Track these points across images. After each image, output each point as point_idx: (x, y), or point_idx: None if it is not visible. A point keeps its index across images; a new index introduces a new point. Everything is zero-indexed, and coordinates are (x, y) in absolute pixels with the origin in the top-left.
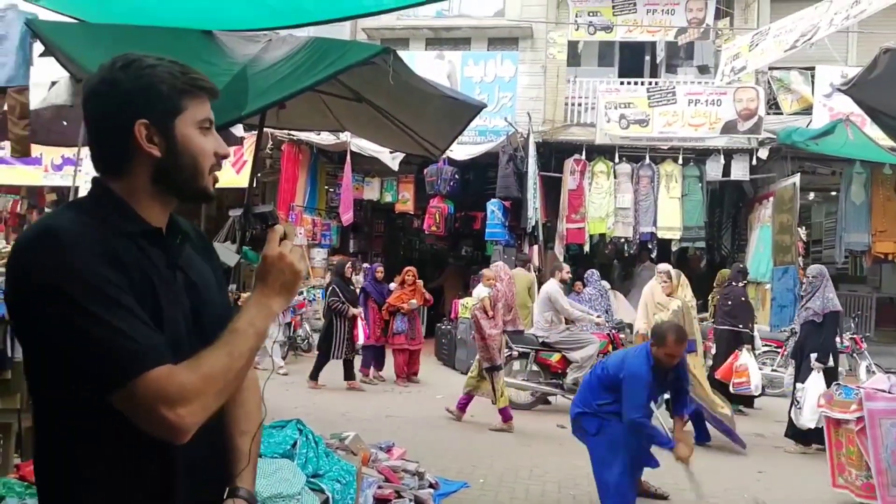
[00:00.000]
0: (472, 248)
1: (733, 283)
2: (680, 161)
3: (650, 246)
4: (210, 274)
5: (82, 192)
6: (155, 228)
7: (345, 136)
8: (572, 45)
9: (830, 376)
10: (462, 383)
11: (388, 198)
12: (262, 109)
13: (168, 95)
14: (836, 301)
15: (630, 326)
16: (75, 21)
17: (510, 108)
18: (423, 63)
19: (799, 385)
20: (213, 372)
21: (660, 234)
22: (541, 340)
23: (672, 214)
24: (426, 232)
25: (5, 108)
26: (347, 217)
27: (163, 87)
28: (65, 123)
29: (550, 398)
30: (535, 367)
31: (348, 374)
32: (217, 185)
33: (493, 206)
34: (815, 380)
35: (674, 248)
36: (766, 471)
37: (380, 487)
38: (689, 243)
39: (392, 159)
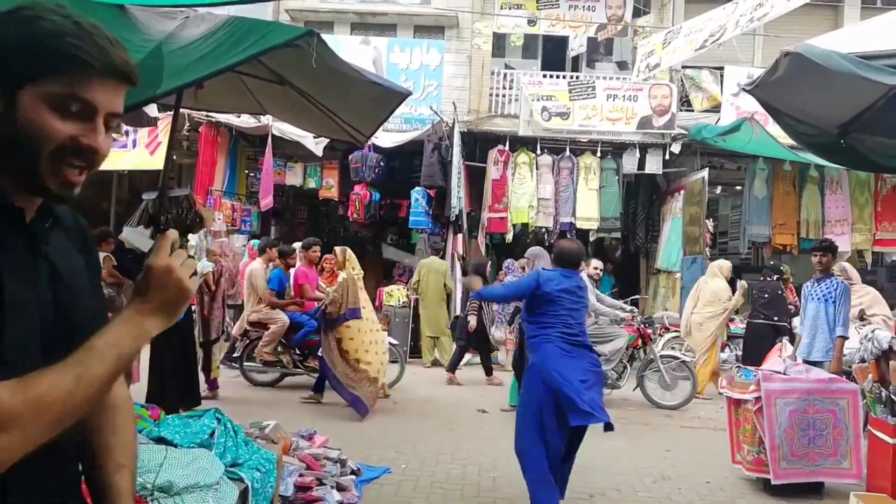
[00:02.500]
0: (397, 236)
1: (768, 278)
2: (598, 154)
3: (569, 235)
4: (83, 269)
5: None
6: (10, 205)
7: (266, 120)
8: (498, 37)
9: None
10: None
11: (312, 184)
12: (179, 89)
13: (28, 57)
14: None
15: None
16: None
17: (436, 97)
18: (348, 48)
19: None
20: (48, 398)
21: (578, 224)
22: None
23: (590, 205)
24: (349, 219)
25: None
26: (267, 202)
27: (25, 48)
28: None
29: None
30: None
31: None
32: (131, 167)
33: (417, 195)
34: None
35: (591, 238)
36: (673, 449)
37: (301, 475)
38: (606, 233)
39: (316, 144)
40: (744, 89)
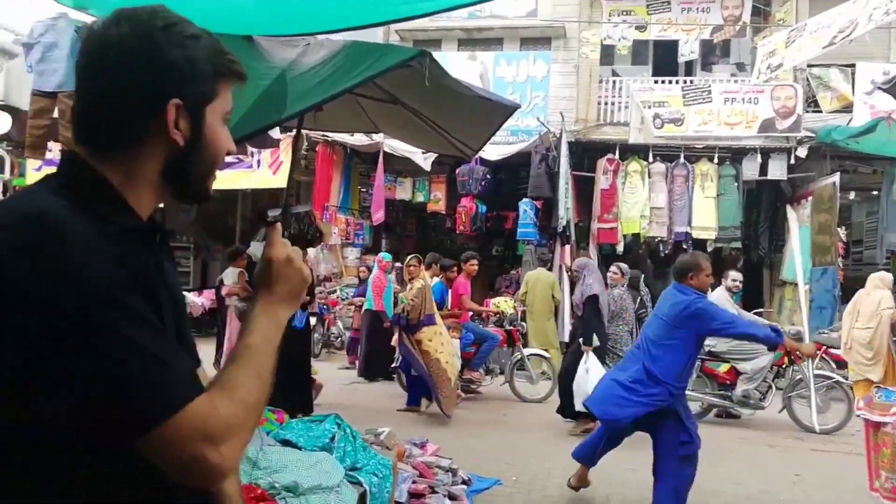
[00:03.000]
0: (503, 248)
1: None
2: (715, 160)
3: (685, 246)
4: (176, 278)
5: None
6: (149, 226)
7: (378, 137)
8: (606, 45)
9: (599, 355)
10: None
11: (420, 197)
12: (302, 112)
13: (208, 76)
14: (595, 286)
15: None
16: None
17: (542, 108)
18: (455, 64)
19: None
20: (250, 399)
21: (695, 234)
22: (708, 349)
23: (707, 214)
24: (456, 232)
25: (55, 113)
26: (379, 216)
27: (206, 66)
28: None
29: (730, 410)
30: (701, 377)
31: None
32: (254, 186)
33: (525, 206)
34: (592, 362)
35: (709, 248)
36: (802, 473)
37: (414, 482)
38: (725, 243)
39: (424, 159)
40: (880, 87)
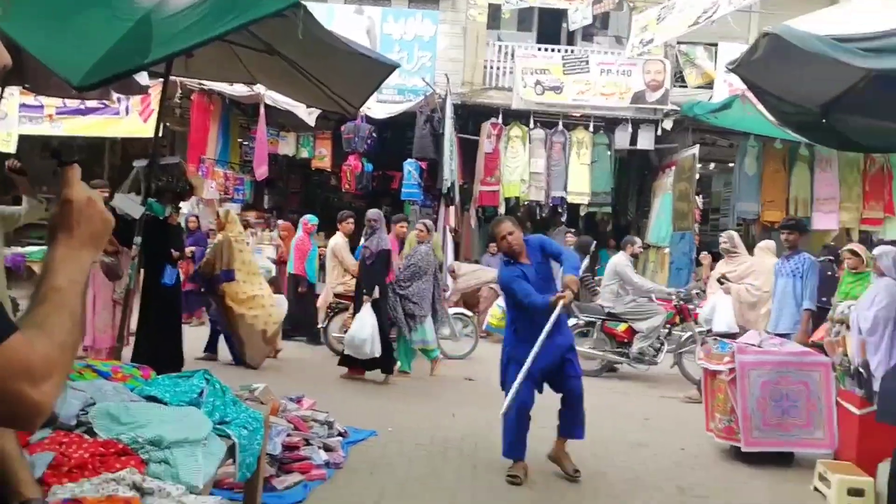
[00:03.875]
0: (390, 208)
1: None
2: (591, 129)
3: (560, 210)
4: None
5: None
6: None
7: (259, 88)
8: (494, 8)
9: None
10: None
11: (305, 153)
12: (168, 58)
13: None
14: (386, 241)
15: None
16: None
17: (429, 69)
18: (341, 18)
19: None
20: (66, 338)
21: (570, 199)
22: (607, 310)
23: (582, 180)
24: (342, 190)
25: None
26: (262, 171)
27: None
28: None
29: (616, 366)
30: (601, 336)
31: None
32: (123, 135)
33: (410, 167)
34: (365, 310)
35: (582, 213)
36: (652, 418)
37: (289, 435)
38: (597, 208)
39: (308, 114)
40: (727, 68)
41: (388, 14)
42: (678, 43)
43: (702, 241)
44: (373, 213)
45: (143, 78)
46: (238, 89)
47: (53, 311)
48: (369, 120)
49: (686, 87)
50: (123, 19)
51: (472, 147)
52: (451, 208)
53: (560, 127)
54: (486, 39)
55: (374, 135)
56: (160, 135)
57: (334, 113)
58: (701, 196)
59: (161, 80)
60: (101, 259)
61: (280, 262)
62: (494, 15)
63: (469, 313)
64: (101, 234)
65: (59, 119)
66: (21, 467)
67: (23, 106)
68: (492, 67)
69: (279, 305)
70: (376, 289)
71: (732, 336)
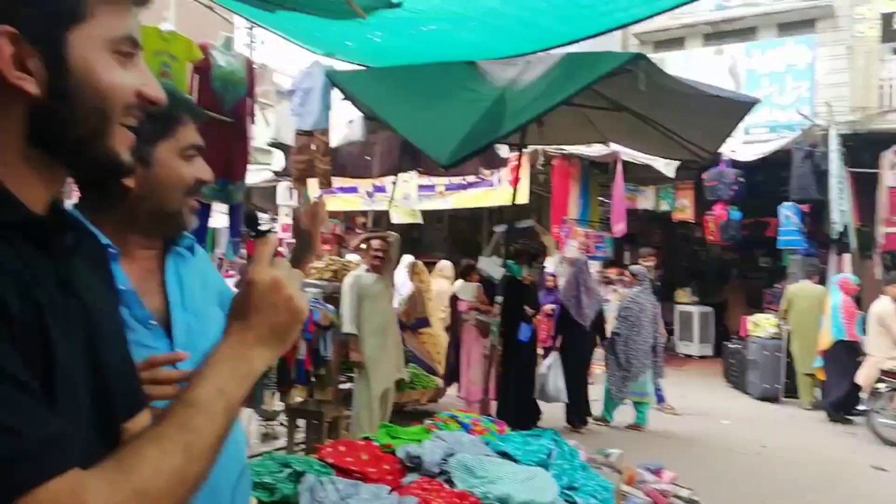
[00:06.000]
0: (769, 259)
1: None
2: None
3: None
4: (104, 295)
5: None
6: (38, 218)
7: (615, 147)
8: (886, 18)
9: None
10: (751, 406)
11: (665, 206)
12: (519, 128)
13: None
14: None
15: None
16: (363, 68)
17: (807, 99)
18: (699, 61)
19: None
20: (155, 486)
21: None
22: None
23: None
24: (706, 242)
25: (313, 148)
26: (619, 228)
27: None
28: (367, 158)
29: None
30: None
31: None
32: (497, 203)
33: (788, 211)
34: None
35: None
36: None
37: None
38: None
39: (666, 165)
40: None
41: (751, 49)
42: None
43: None
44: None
45: (503, 150)
46: (596, 150)
47: (158, 439)
48: (735, 164)
49: None
50: (483, 100)
51: (869, 182)
52: (846, 256)
53: None
54: (879, 55)
55: (741, 179)
56: (527, 201)
57: (693, 161)
58: None
59: (524, 151)
60: (476, 317)
61: None
62: (888, 26)
63: None
64: (286, 328)
65: (448, 194)
66: None
67: (421, 187)
68: (890, 87)
69: None
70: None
71: None
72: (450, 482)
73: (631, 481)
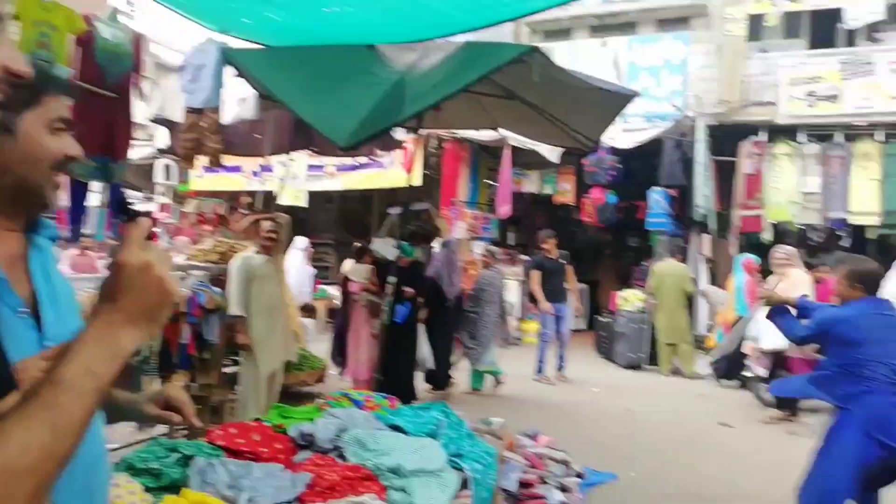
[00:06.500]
0: (638, 239)
1: None
2: (881, 138)
3: (841, 234)
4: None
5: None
6: None
7: (505, 132)
8: (753, 19)
9: None
10: (618, 375)
11: (548, 190)
12: (419, 113)
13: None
14: None
15: None
16: (260, 47)
17: (680, 92)
18: (585, 52)
19: None
20: (21, 461)
21: (853, 220)
22: None
23: (869, 198)
24: (584, 223)
25: (203, 125)
26: (504, 210)
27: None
28: (258, 136)
29: None
30: None
31: None
32: (388, 185)
33: (657, 195)
34: None
35: (871, 236)
36: None
37: (524, 472)
38: (890, 229)
39: (550, 151)
40: None
41: (633, 42)
42: None
43: None
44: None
45: (398, 133)
46: (486, 135)
47: (25, 417)
48: (614, 151)
49: None
50: (381, 84)
51: (729, 170)
52: (706, 237)
53: (838, 139)
54: (745, 53)
55: (618, 165)
56: (420, 183)
57: (576, 148)
58: None
59: (419, 134)
60: (368, 297)
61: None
62: (755, 26)
63: None
64: (156, 309)
65: (338, 175)
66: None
67: (309, 166)
68: (752, 82)
69: None
70: None
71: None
72: (342, 457)
73: (511, 447)
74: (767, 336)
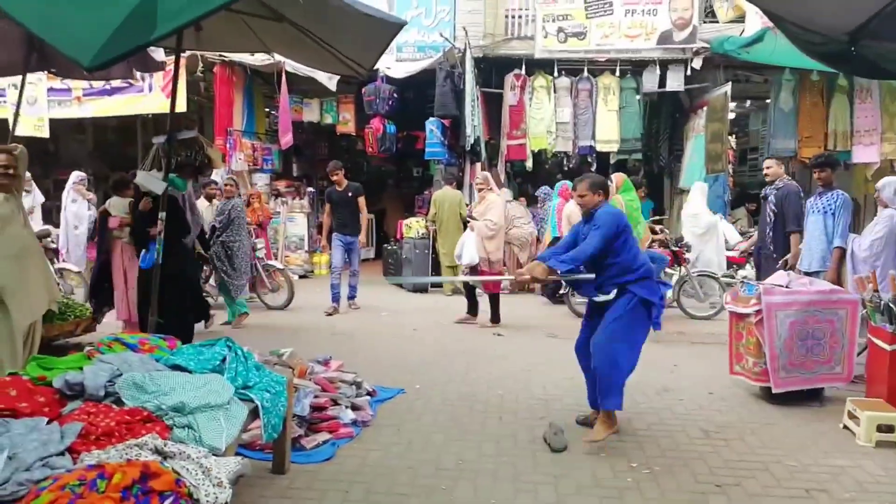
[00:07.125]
0: (420, 169)
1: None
2: (617, 73)
3: (589, 159)
4: None
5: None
6: None
7: (279, 57)
8: None
9: None
10: (406, 298)
11: (329, 119)
12: (174, 31)
13: None
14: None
15: None
16: None
17: (448, 23)
18: None
19: None
20: None
21: (598, 148)
22: None
23: (610, 127)
24: (367, 153)
25: None
26: (286, 140)
27: None
28: None
29: None
30: None
31: None
32: (149, 111)
33: (432, 125)
34: None
35: (612, 161)
36: (680, 364)
37: (316, 396)
38: (627, 155)
39: (329, 79)
40: None
41: None
42: None
43: (737, 183)
44: None
45: (158, 54)
46: (259, 59)
47: None
48: (389, 80)
49: (717, 22)
50: None
51: (497, 101)
52: (478, 165)
53: (585, 74)
54: None
55: (395, 95)
56: (188, 109)
57: (352, 77)
58: (735, 136)
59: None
60: (130, 234)
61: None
62: None
63: None
64: None
65: (87, 101)
66: None
67: (51, 90)
68: (514, 17)
69: None
70: None
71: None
72: (119, 402)
73: (302, 374)
74: (466, 254)
